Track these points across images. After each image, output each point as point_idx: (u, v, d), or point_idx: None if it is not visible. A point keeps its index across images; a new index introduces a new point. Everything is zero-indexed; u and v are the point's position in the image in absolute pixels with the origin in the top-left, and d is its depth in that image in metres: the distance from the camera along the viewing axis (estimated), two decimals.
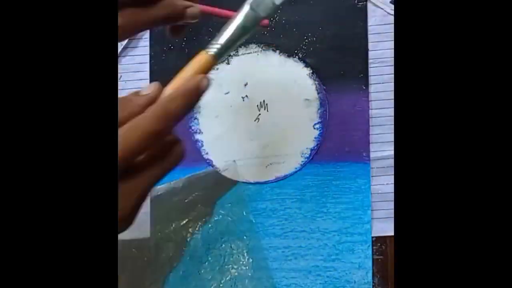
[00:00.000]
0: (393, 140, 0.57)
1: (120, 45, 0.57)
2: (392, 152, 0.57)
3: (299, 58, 0.58)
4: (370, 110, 0.57)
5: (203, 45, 0.58)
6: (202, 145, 0.59)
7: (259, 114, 0.58)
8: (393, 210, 0.56)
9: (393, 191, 0.56)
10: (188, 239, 0.58)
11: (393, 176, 0.57)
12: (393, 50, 0.57)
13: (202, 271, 0.57)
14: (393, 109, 0.57)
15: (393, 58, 0.57)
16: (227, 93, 0.59)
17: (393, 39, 0.57)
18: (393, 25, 0.57)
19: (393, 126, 0.57)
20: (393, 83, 0.57)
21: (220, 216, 0.58)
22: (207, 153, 0.59)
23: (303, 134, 0.58)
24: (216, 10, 0.47)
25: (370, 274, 0.56)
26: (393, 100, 0.57)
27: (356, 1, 0.58)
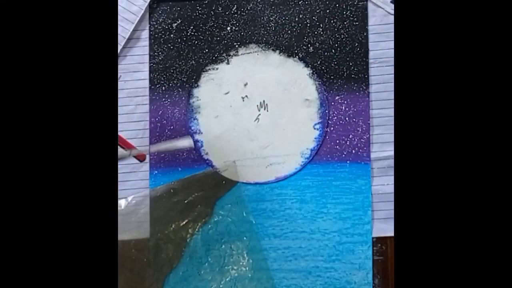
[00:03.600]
0: (393, 140, 0.57)
1: (119, 45, 0.57)
2: (393, 153, 0.57)
3: (299, 58, 0.58)
4: (370, 110, 0.58)
5: (203, 45, 0.59)
6: (202, 145, 0.59)
7: (259, 114, 0.58)
8: (393, 211, 0.56)
9: (393, 191, 0.57)
10: (188, 240, 0.58)
11: (393, 177, 0.57)
12: (393, 50, 0.57)
13: (202, 272, 0.57)
14: (393, 109, 0.57)
15: (393, 58, 0.57)
16: (227, 93, 0.59)
17: (393, 39, 0.57)
18: (393, 25, 0.57)
19: (393, 126, 0.57)
20: (393, 83, 0.57)
21: (220, 216, 0.58)
22: (207, 154, 0.59)
23: (303, 134, 0.58)
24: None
25: (370, 275, 0.57)
26: (393, 101, 0.57)
27: (356, 1, 0.58)
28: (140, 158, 0.57)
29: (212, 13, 0.59)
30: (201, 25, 0.59)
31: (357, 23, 0.58)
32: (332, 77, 0.58)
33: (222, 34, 0.59)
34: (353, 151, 0.57)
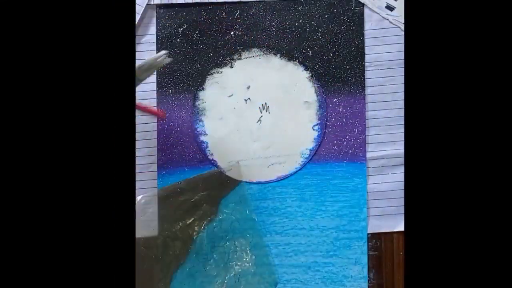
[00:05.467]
0: (388, 140, 0.59)
1: None
2: (387, 152, 0.59)
3: (299, 62, 0.60)
4: (366, 112, 0.59)
5: (208, 49, 0.60)
6: (207, 146, 0.60)
7: (261, 116, 0.60)
8: (388, 208, 0.59)
9: (388, 189, 0.59)
10: (194, 237, 0.58)
11: (388, 175, 0.59)
12: (389, 53, 0.59)
13: (207, 268, 0.58)
14: (388, 110, 0.59)
15: (388, 61, 0.59)
16: (230, 95, 0.60)
17: (389, 43, 0.59)
18: (388, 29, 0.59)
19: (388, 127, 0.59)
20: (388, 86, 0.59)
21: (224, 215, 0.59)
22: (212, 154, 0.60)
23: (302, 135, 0.59)
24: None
25: (365, 269, 0.58)
26: (388, 102, 0.59)
27: (353, 6, 0.60)
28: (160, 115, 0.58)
29: (216, 18, 0.60)
30: (206, 30, 0.60)
31: (353, 27, 0.59)
32: (330, 80, 0.59)
33: (226, 39, 0.60)
34: (350, 151, 0.59)
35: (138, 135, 0.59)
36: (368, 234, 0.59)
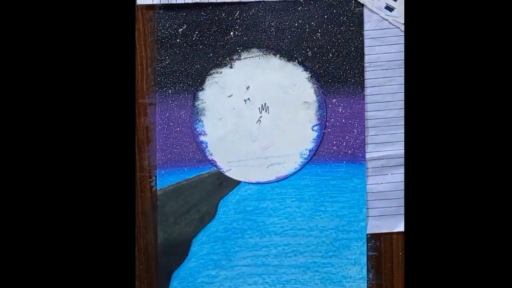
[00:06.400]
0: (387, 141, 0.59)
1: None
2: (387, 153, 0.59)
3: (298, 62, 0.60)
4: (365, 112, 0.59)
5: (207, 50, 0.60)
6: (207, 146, 0.60)
7: (261, 116, 0.60)
8: (387, 208, 0.59)
9: (387, 190, 0.59)
10: (193, 238, 0.59)
11: (387, 176, 0.59)
12: (388, 54, 0.59)
13: (207, 268, 0.59)
14: (387, 111, 0.59)
15: (388, 62, 0.59)
16: (230, 96, 0.60)
17: (388, 43, 0.59)
18: (388, 30, 0.59)
19: (387, 127, 0.59)
20: (387, 86, 0.59)
21: (224, 215, 0.59)
22: (211, 154, 0.60)
23: (302, 136, 0.59)
24: None
25: (365, 270, 0.59)
26: (387, 103, 0.59)
27: (352, 7, 0.60)
28: None
29: (216, 19, 0.60)
30: (205, 30, 0.60)
31: (353, 28, 0.59)
32: (329, 80, 0.59)
33: (226, 39, 0.60)
34: (349, 152, 0.59)
35: (138, 135, 0.59)
36: (367, 234, 0.59)
